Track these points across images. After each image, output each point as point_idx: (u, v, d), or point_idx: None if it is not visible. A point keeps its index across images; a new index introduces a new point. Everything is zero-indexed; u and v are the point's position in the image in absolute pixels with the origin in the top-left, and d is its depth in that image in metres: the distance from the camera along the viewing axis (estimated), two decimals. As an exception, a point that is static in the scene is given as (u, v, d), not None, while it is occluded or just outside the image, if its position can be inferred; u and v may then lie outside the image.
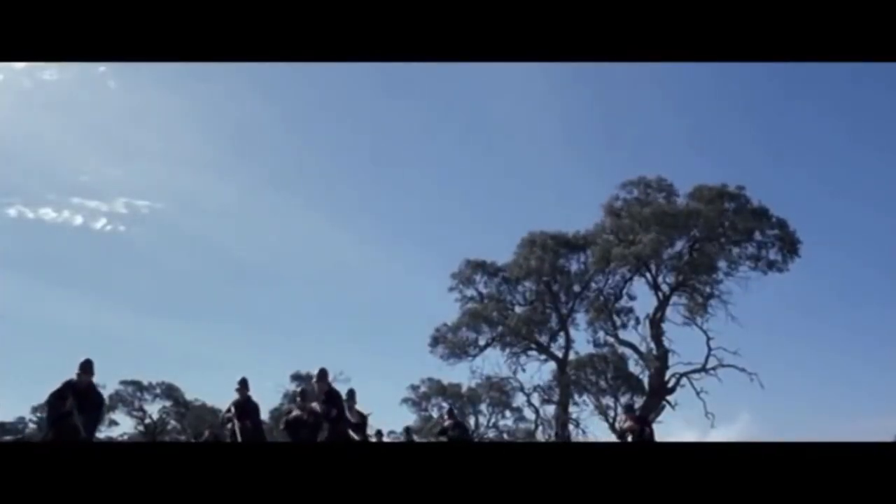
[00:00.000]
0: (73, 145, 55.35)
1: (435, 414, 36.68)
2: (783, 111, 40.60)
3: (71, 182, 61.29)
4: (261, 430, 10.19)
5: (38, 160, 53.77)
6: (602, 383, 29.73)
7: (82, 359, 8.55)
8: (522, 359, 30.88)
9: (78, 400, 7.91)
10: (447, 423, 13.38)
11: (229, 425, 10.11)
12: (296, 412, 10.27)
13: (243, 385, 10.50)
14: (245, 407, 10.22)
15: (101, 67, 33.02)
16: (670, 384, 27.88)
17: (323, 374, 9.39)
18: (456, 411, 15.06)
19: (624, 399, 29.37)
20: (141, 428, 40.17)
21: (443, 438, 13.70)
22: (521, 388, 31.43)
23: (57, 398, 8.01)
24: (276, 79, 53.80)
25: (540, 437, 30.30)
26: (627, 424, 11.30)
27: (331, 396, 9.12)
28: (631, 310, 29.81)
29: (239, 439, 9.69)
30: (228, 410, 10.32)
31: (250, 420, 10.03)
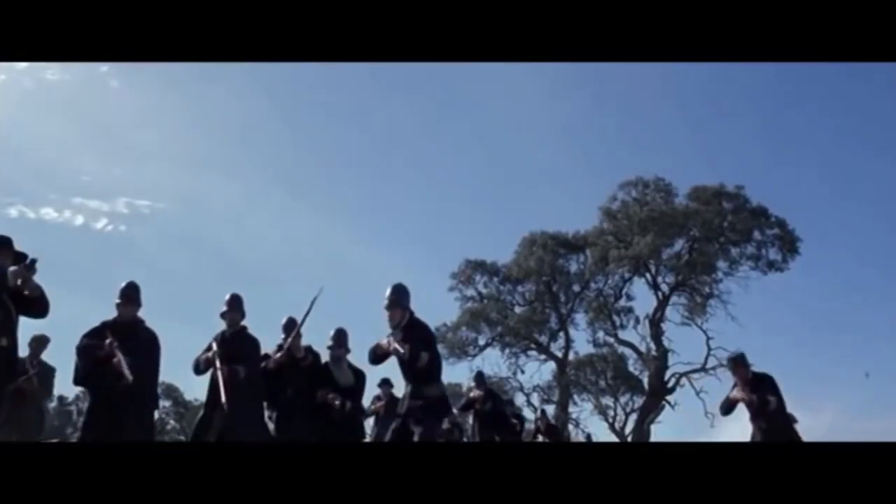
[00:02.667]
0: (75, 145, 55.29)
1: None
2: (784, 111, 40.68)
3: (72, 182, 61.21)
4: (261, 381, 6.22)
5: (40, 160, 53.71)
6: (602, 383, 29.72)
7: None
8: (522, 359, 30.92)
9: (120, 340, 5.49)
10: (476, 394, 9.79)
11: (209, 373, 6.09)
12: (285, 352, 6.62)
13: (233, 306, 6.29)
14: (236, 343, 6.14)
15: (104, 67, 32.98)
16: (670, 384, 27.90)
17: (401, 291, 5.90)
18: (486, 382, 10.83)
19: (624, 399, 29.46)
20: (140, 428, 40.14)
21: (468, 413, 10.31)
22: (521, 388, 31.45)
23: (89, 340, 5.59)
24: (278, 79, 53.88)
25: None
26: (739, 394, 6.94)
27: (412, 327, 5.77)
28: (630, 310, 29.85)
29: (223, 395, 5.71)
30: (208, 348, 6.16)
31: (245, 365, 5.98)
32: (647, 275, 29.22)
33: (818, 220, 39.10)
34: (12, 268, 4.54)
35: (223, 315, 6.40)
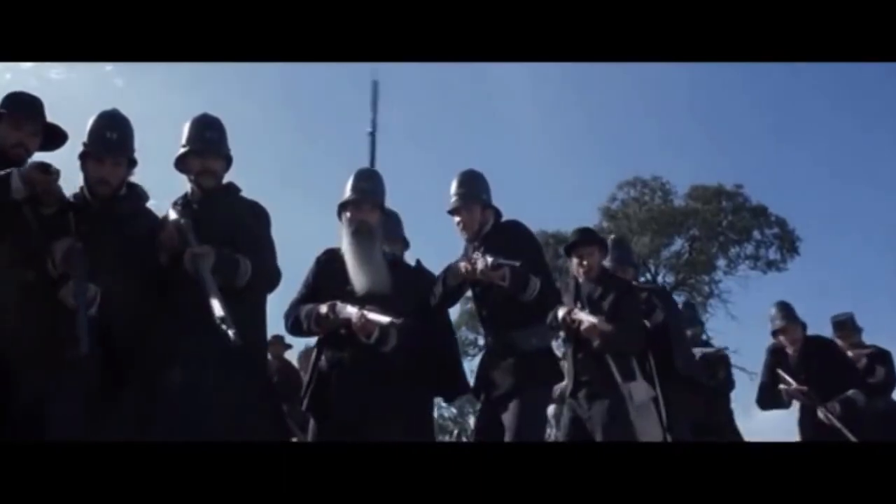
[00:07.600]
0: (78, 144, 55.32)
1: (434, 413, 36.48)
2: (784, 110, 40.74)
3: (74, 181, 61.25)
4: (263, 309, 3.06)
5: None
6: (602, 383, 29.69)
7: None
8: (522, 359, 30.82)
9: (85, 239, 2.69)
10: (636, 280, 4.96)
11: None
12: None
13: (206, 140, 3.09)
14: (215, 214, 2.99)
15: (108, 66, 32.98)
16: (670, 384, 27.93)
17: (475, 179, 3.68)
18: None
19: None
20: (140, 429, 40.07)
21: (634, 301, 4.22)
22: (521, 388, 31.36)
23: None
24: (284, 79, 53.94)
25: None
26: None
27: (504, 234, 3.58)
28: (631, 309, 29.83)
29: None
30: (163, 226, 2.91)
31: (251, 257, 2.88)
32: (647, 274, 29.24)
33: (818, 220, 39.14)
34: (27, 165, 2.72)
35: (178, 161, 3.16)
